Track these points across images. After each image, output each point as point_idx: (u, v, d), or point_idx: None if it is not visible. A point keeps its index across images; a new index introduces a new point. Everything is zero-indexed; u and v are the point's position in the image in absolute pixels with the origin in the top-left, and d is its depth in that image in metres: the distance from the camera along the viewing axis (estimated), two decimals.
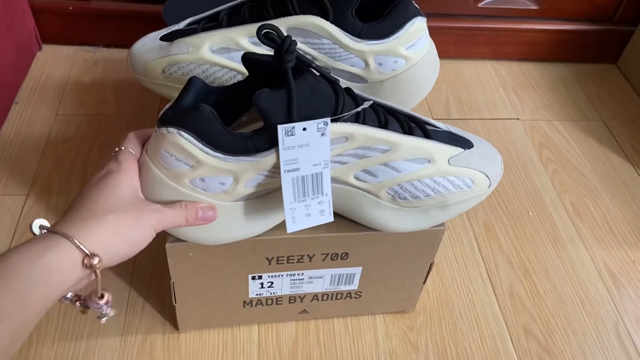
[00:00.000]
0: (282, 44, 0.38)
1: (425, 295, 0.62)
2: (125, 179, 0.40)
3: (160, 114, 0.41)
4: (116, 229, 0.37)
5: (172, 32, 0.56)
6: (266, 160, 0.40)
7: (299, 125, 0.39)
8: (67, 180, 0.69)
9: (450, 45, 0.94)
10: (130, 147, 0.42)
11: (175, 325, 0.56)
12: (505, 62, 0.97)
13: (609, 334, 0.60)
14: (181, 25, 0.56)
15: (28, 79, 0.82)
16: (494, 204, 0.73)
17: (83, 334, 0.55)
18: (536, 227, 0.71)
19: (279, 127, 0.39)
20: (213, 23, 0.55)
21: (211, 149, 0.39)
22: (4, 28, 0.74)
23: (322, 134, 0.40)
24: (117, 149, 0.42)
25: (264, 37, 0.38)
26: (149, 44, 0.56)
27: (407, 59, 0.54)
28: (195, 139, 0.39)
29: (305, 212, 0.43)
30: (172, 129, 0.39)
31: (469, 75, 0.94)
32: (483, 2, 0.91)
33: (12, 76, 0.78)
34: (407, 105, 0.57)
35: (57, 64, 0.85)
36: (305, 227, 0.43)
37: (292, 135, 0.39)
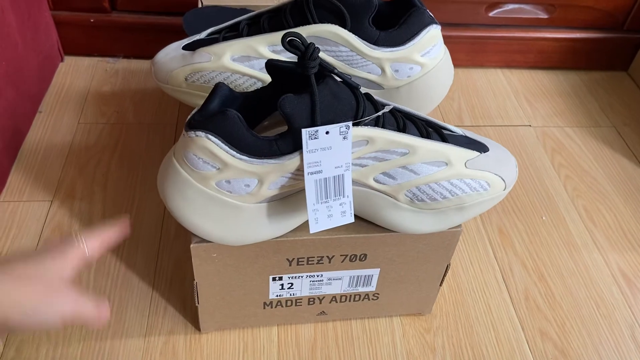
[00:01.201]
0: (305, 51, 0.40)
1: (442, 298, 0.63)
2: (62, 261, 0.37)
3: (187, 119, 0.42)
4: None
5: (194, 41, 0.58)
6: (290, 162, 0.41)
7: (322, 129, 0.41)
8: (90, 187, 0.71)
9: (462, 54, 0.95)
10: (88, 245, 0.40)
11: (196, 326, 0.57)
12: (516, 70, 0.98)
13: (625, 337, 0.61)
14: (203, 35, 0.58)
15: (51, 89, 0.84)
16: (508, 209, 0.74)
17: (107, 335, 0.57)
18: (550, 231, 0.72)
19: (303, 130, 0.40)
20: (233, 33, 0.57)
21: (237, 152, 0.41)
22: (29, 40, 0.77)
23: (344, 138, 0.41)
24: (76, 237, 0.40)
25: (288, 44, 0.40)
26: (172, 53, 0.58)
27: (423, 66, 0.55)
28: (222, 142, 0.40)
29: (327, 213, 0.44)
30: (200, 133, 0.41)
31: (481, 83, 0.95)
32: (494, 12, 0.92)
33: (36, 86, 0.81)
34: (422, 111, 0.58)
35: (78, 74, 0.87)
36: (327, 227, 0.45)
37: (315, 138, 0.41)
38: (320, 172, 0.42)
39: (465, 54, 0.95)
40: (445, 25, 0.91)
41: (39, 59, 0.81)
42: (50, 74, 0.86)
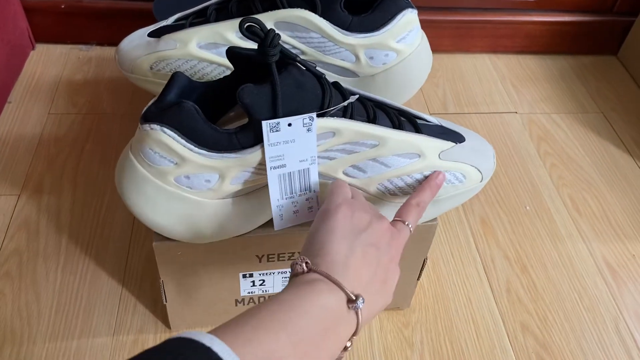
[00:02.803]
0: (265, 37, 0.38)
1: (421, 291, 0.61)
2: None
3: (143, 111, 0.40)
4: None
5: (160, 28, 0.55)
6: (252, 156, 0.39)
7: (284, 121, 0.38)
8: (59, 180, 0.68)
9: (447, 39, 0.93)
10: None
11: (167, 324, 0.56)
12: (503, 55, 0.96)
13: (609, 330, 0.60)
14: (169, 21, 0.56)
15: (21, 79, 0.81)
16: (491, 198, 0.72)
17: (74, 334, 0.55)
18: (534, 221, 0.70)
19: (263, 123, 0.38)
20: (201, 18, 0.54)
21: (195, 146, 0.39)
22: None
23: (308, 130, 0.39)
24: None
25: (247, 30, 0.38)
26: (137, 40, 0.56)
27: (399, 53, 0.53)
28: (179, 135, 0.38)
29: (293, 209, 0.42)
30: (155, 126, 0.38)
31: (467, 69, 0.93)
32: None
33: (5, 76, 0.78)
34: (400, 99, 0.56)
35: (50, 63, 0.84)
36: (293, 224, 0.43)
37: (277, 131, 0.38)
38: (284, 166, 0.40)
39: (450, 39, 0.93)
40: (429, 9, 0.89)
41: (7, 48, 0.78)
42: (20, 63, 0.83)
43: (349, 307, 0.32)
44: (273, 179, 0.40)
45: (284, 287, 0.33)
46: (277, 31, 0.43)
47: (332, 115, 0.41)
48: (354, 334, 0.33)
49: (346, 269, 0.33)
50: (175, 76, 0.40)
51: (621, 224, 0.70)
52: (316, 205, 0.43)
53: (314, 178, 0.41)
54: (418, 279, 0.55)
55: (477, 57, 0.95)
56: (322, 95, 0.40)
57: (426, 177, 0.44)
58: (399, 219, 0.40)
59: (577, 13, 0.93)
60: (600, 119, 0.86)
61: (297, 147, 0.39)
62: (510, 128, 0.83)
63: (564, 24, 0.93)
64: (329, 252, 0.34)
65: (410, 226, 0.40)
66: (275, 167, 0.40)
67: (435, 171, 0.44)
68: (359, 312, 0.33)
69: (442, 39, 0.92)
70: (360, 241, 0.35)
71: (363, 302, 0.33)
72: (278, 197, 0.41)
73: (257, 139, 0.39)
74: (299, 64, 0.40)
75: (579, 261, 0.66)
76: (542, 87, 0.91)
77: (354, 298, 0.32)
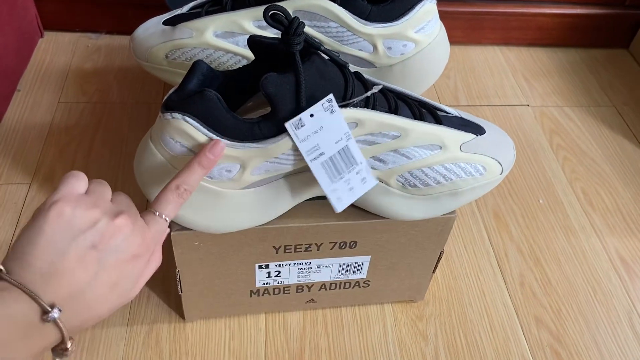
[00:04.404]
0: (289, 26, 0.37)
1: (435, 284, 0.61)
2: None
3: (164, 99, 0.40)
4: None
5: (175, 16, 0.55)
6: (274, 146, 0.39)
7: (305, 115, 0.38)
8: (70, 169, 0.68)
9: (458, 31, 0.92)
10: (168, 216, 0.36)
11: (181, 314, 0.55)
12: (514, 48, 0.95)
13: (622, 323, 0.59)
14: (184, 9, 0.55)
15: (30, 67, 0.81)
16: (504, 192, 0.72)
17: None
18: (547, 215, 0.70)
19: (287, 125, 0.38)
20: (217, 7, 0.54)
21: (217, 135, 0.38)
22: (5, 15, 0.73)
23: (331, 112, 0.39)
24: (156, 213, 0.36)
25: (271, 18, 0.37)
26: (152, 28, 0.55)
27: (417, 43, 0.52)
28: (201, 124, 0.38)
29: (347, 187, 0.41)
30: (176, 114, 0.38)
31: (478, 61, 0.92)
32: None
33: (14, 64, 0.77)
34: (417, 90, 0.55)
35: (59, 51, 0.84)
36: (352, 200, 0.42)
37: (302, 126, 0.38)
38: (322, 154, 0.39)
39: (462, 31, 0.92)
40: (441, 0, 0.88)
41: (16, 35, 0.77)
42: (29, 51, 0.82)
43: (42, 319, 0.30)
44: (317, 169, 0.40)
45: None
46: None
47: (355, 106, 0.40)
48: (61, 343, 0.31)
49: (48, 276, 0.30)
50: (197, 64, 0.40)
51: (634, 218, 0.70)
52: (367, 175, 0.42)
53: (355, 151, 0.41)
54: (433, 272, 0.55)
55: (488, 49, 0.94)
56: (345, 86, 0.40)
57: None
58: (150, 208, 0.36)
59: (589, 6, 0.92)
60: (612, 112, 0.85)
61: (327, 132, 0.39)
62: (522, 121, 0.82)
63: (576, 17, 0.93)
64: (29, 257, 0.30)
65: (164, 216, 0.35)
66: (314, 158, 0.39)
67: (213, 141, 0.38)
68: (60, 323, 0.30)
69: (453, 30, 0.91)
70: (76, 244, 0.31)
71: (60, 312, 0.30)
72: (329, 183, 0.40)
73: (280, 129, 0.38)
74: (322, 53, 0.40)
75: (592, 255, 0.66)
76: (554, 79, 0.90)
77: (48, 309, 0.30)
